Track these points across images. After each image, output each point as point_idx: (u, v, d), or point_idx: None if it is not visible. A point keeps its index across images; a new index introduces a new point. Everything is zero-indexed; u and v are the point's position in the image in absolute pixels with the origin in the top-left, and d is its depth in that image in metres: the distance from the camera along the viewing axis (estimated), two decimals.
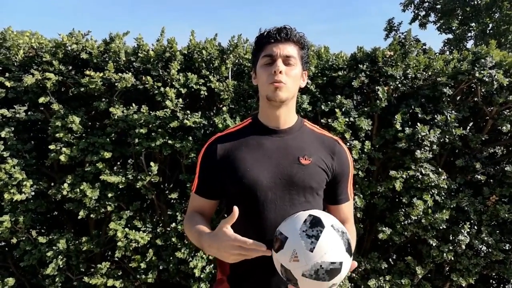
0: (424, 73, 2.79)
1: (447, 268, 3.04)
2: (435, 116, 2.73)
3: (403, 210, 2.82)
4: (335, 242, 1.18)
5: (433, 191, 2.76)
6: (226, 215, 1.60)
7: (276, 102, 1.41)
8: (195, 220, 1.49)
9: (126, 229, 2.80)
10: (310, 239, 1.16)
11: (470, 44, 16.59)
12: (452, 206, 2.77)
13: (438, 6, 16.74)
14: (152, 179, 2.79)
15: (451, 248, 2.80)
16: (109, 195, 2.78)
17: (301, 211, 1.30)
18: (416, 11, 17.51)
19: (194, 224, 1.47)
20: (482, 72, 2.67)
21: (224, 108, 2.75)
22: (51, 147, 2.72)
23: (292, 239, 1.17)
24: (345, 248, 1.20)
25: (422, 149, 2.72)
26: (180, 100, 2.72)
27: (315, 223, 1.20)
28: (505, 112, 2.79)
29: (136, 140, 2.74)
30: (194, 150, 2.74)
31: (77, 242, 2.88)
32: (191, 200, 1.59)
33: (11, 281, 2.95)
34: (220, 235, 1.26)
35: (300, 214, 1.25)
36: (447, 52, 16.52)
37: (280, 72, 1.37)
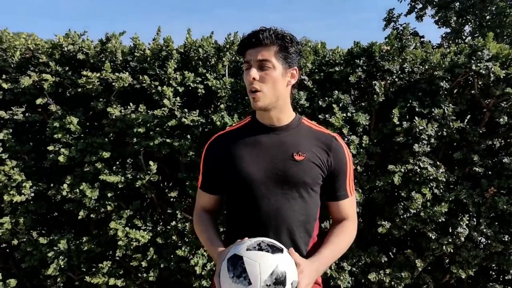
0: (421, 67, 2.79)
1: (447, 261, 3.05)
2: (433, 109, 2.73)
3: (402, 203, 2.83)
4: (260, 257, 1.24)
5: (431, 184, 2.77)
6: (225, 211, 1.63)
7: (256, 110, 1.48)
8: (206, 224, 1.61)
9: (127, 228, 2.81)
10: (241, 277, 1.21)
11: (468, 37, 16.55)
12: (450, 199, 2.78)
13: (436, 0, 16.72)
14: (152, 178, 2.80)
15: (450, 240, 2.81)
16: (109, 194, 2.78)
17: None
18: (413, 4, 17.46)
19: (205, 228, 1.59)
20: (478, 64, 2.67)
21: (222, 106, 2.75)
22: (50, 148, 2.73)
23: None
24: (271, 250, 1.27)
25: (420, 142, 2.72)
26: (178, 98, 2.72)
27: (235, 261, 1.25)
28: (502, 104, 2.79)
29: (135, 140, 2.75)
30: (192, 149, 2.75)
31: (78, 242, 2.89)
32: (198, 196, 1.70)
33: (13, 282, 2.96)
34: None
35: (222, 267, 1.28)
36: (445, 46, 16.48)
37: (254, 78, 1.39)
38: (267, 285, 1.19)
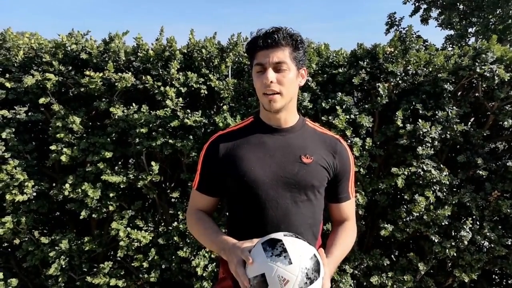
0: (425, 69, 2.78)
1: (450, 264, 3.03)
2: (436, 112, 2.72)
3: (405, 206, 2.81)
4: (299, 243, 1.21)
5: (434, 187, 2.75)
6: (227, 213, 1.61)
7: (271, 112, 1.43)
8: (208, 222, 1.52)
9: (128, 229, 2.80)
10: (281, 256, 1.16)
11: (471, 40, 16.45)
12: (454, 202, 2.77)
13: (440, 0, 16.62)
14: (153, 179, 2.79)
15: (453, 244, 2.79)
16: (111, 195, 2.78)
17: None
18: (417, 4, 17.35)
19: (209, 225, 1.50)
20: (483, 67, 2.65)
21: (225, 107, 2.74)
22: (52, 147, 2.73)
23: (269, 270, 1.15)
24: (306, 241, 1.24)
25: (424, 145, 2.71)
26: (180, 99, 2.71)
27: (273, 243, 1.20)
28: (507, 107, 2.77)
29: (137, 140, 2.74)
30: (195, 149, 2.74)
31: (79, 242, 2.89)
32: (192, 197, 1.60)
33: (14, 281, 2.95)
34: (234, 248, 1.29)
35: (254, 250, 1.23)
36: (448, 49, 16.36)
37: (272, 82, 1.35)
38: (306, 267, 1.15)
